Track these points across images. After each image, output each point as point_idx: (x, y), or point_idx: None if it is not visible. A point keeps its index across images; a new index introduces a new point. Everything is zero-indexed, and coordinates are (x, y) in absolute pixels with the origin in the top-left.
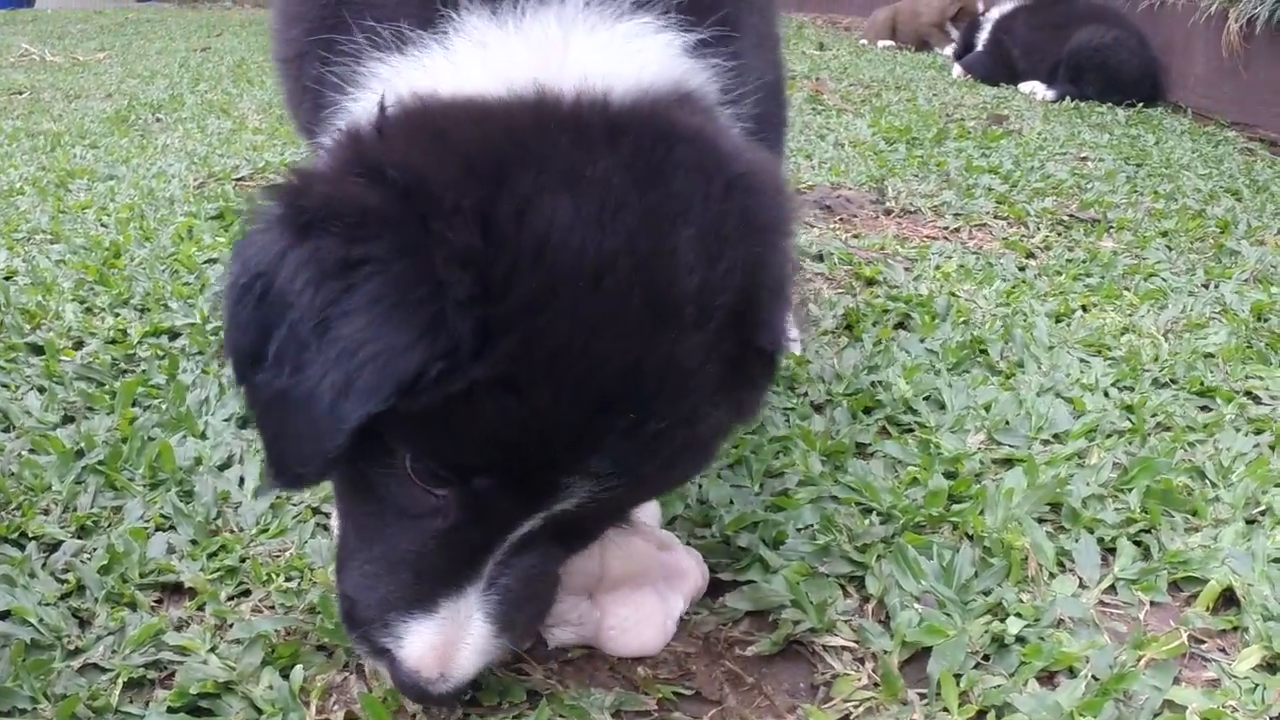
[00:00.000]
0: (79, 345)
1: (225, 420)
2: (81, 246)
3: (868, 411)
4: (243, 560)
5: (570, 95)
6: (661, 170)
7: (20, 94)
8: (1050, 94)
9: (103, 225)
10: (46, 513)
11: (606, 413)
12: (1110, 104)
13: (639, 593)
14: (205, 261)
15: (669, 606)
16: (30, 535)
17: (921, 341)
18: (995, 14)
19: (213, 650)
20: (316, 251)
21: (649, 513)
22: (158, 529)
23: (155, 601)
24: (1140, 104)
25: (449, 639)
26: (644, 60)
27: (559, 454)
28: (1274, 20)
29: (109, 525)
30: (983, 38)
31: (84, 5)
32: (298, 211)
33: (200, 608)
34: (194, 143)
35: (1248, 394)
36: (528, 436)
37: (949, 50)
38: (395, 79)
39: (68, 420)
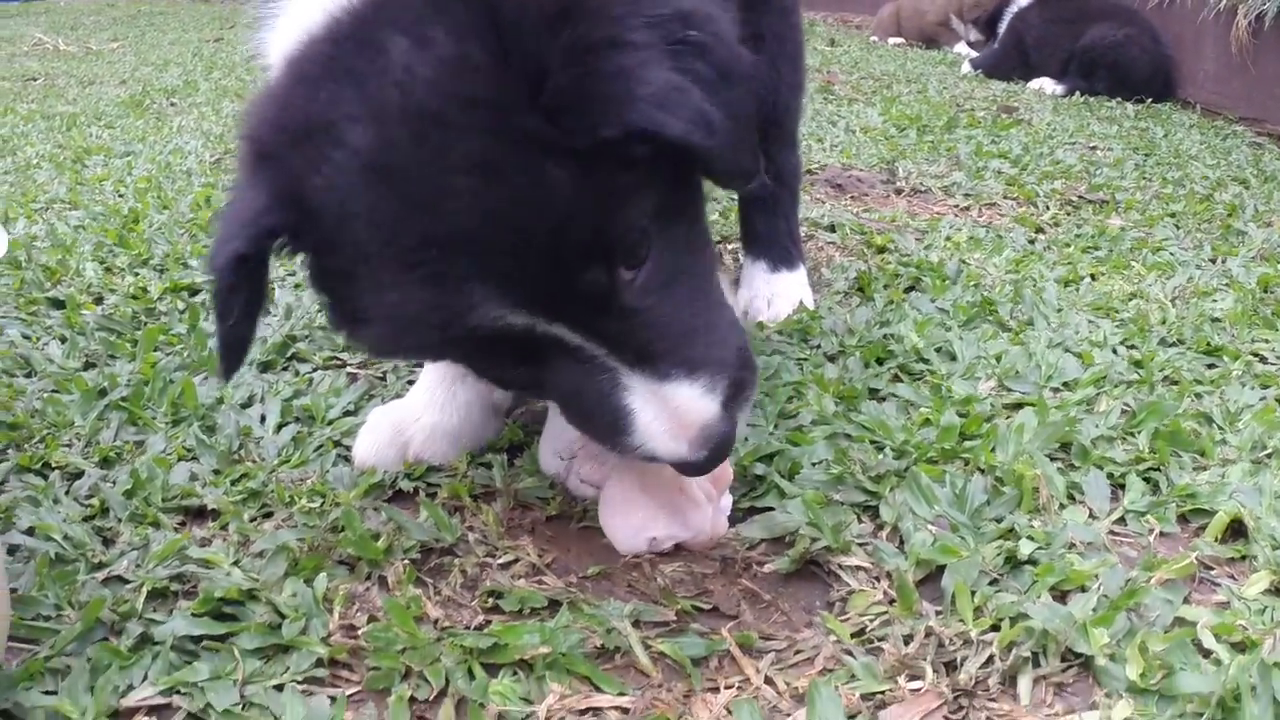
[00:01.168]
0: (99, 300)
1: (247, 364)
2: (100, 213)
3: (880, 361)
4: (265, 485)
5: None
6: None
7: (35, 80)
8: (1059, 89)
9: (120, 195)
10: (69, 445)
11: (453, 251)
12: (1119, 99)
13: (639, 495)
14: None
15: (654, 524)
16: (53, 465)
17: (933, 301)
18: (1014, 7)
19: (236, 563)
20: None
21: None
22: (180, 459)
23: (179, 523)
24: (1150, 100)
25: (658, 418)
26: None
27: (470, 302)
28: None
29: (132, 457)
30: (1002, 29)
31: None
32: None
33: (224, 527)
34: (209, 123)
35: (1254, 354)
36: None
37: (959, 48)
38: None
39: (89, 366)
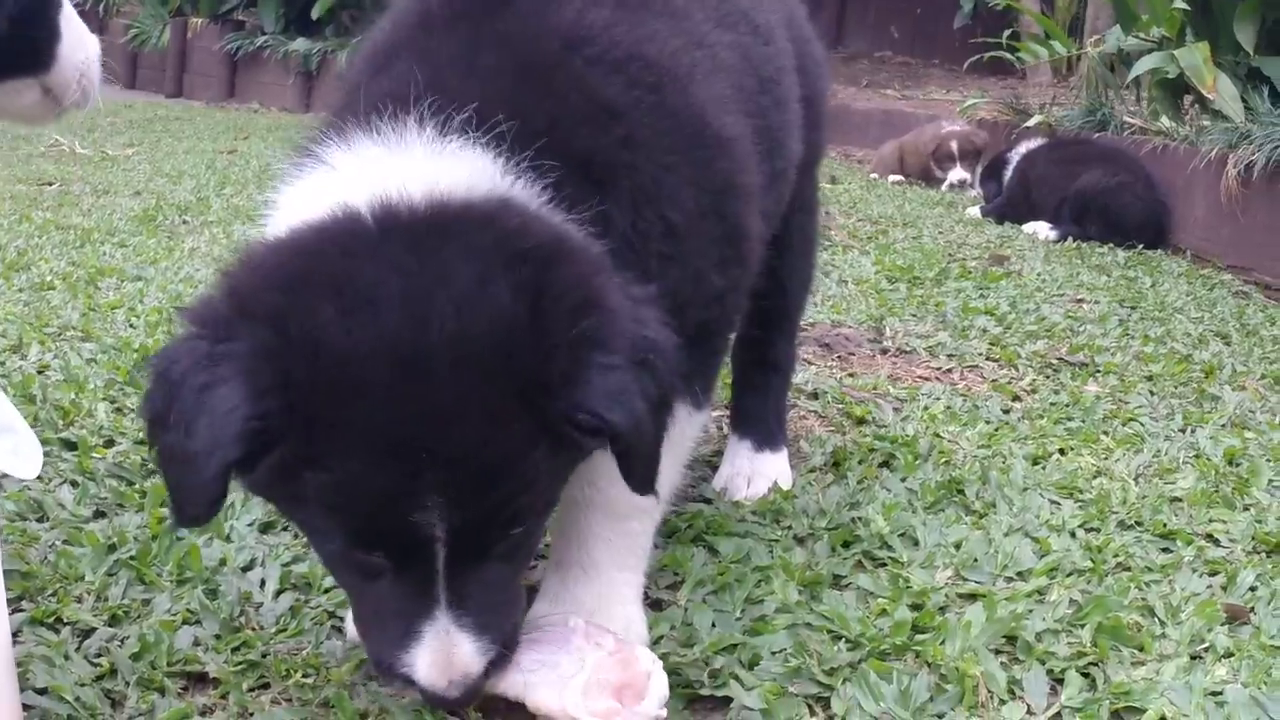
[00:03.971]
0: (110, 444)
1: (249, 525)
2: (112, 347)
3: (846, 545)
4: (264, 655)
5: (364, 208)
6: (430, 258)
7: (50, 184)
8: (1053, 234)
9: (132, 326)
10: (80, 600)
11: (404, 457)
12: (1111, 245)
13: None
14: None
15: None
16: (65, 620)
17: (903, 481)
18: (1023, 148)
19: None
20: (194, 348)
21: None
22: (185, 622)
23: (182, 688)
24: (1142, 246)
25: (442, 654)
26: (455, 170)
27: (396, 500)
28: (1270, 166)
29: (139, 616)
30: (1008, 174)
31: (115, 96)
32: (190, 323)
33: (224, 696)
34: (220, 248)
35: (1208, 536)
36: (359, 498)
37: (950, 177)
38: (283, 204)
39: (99, 515)
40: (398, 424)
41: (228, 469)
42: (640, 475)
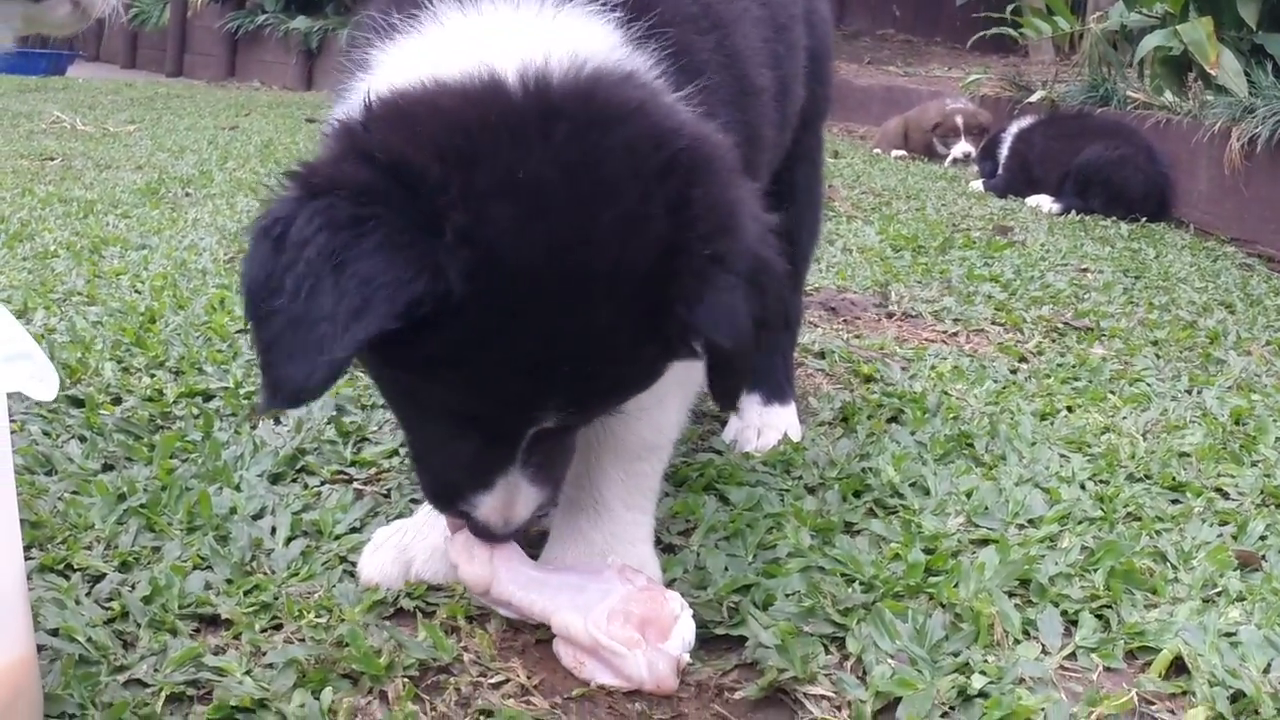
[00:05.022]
0: (117, 401)
1: (259, 475)
2: (117, 310)
3: (857, 494)
4: (275, 598)
5: (514, 78)
6: (591, 159)
7: (52, 160)
8: (1056, 207)
9: (137, 291)
10: (90, 548)
11: (548, 369)
12: (1114, 218)
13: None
14: (237, 331)
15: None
16: (75, 567)
17: (912, 434)
18: (1015, 127)
19: (248, 673)
20: (329, 208)
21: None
22: (195, 568)
23: (194, 630)
24: (1145, 219)
25: (506, 502)
26: (584, 43)
27: (521, 400)
28: (1274, 140)
29: (150, 562)
30: (1003, 152)
31: (115, 76)
32: (309, 183)
33: (236, 636)
34: (224, 218)
35: (1217, 489)
36: (494, 392)
37: (954, 151)
38: (387, 63)
39: (108, 468)
40: (556, 338)
41: (371, 341)
42: (730, 391)
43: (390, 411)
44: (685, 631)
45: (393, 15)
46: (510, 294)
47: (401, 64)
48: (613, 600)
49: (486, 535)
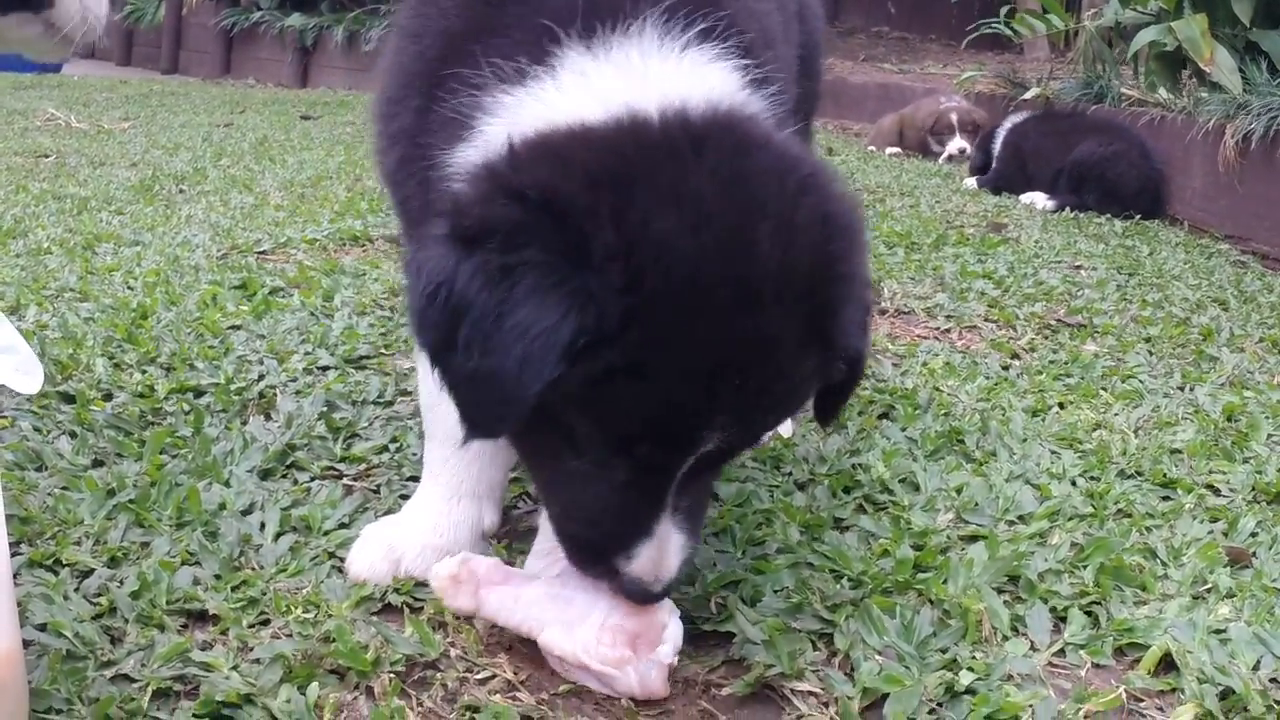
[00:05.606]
0: (108, 397)
1: (249, 471)
2: (110, 306)
3: (847, 490)
4: (263, 593)
5: (656, 115)
6: (742, 174)
7: (46, 157)
8: (1050, 204)
9: (129, 288)
10: (79, 544)
11: (719, 380)
12: (1109, 215)
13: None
14: (229, 328)
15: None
16: (64, 562)
17: (903, 430)
18: (1009, 123)
19: (235, 668)
20: (484, 264)
21: None
22: (184, 563)
23: (181, 626)
24: (1139, 216)
25: (660, 554)
26: (710, 83)
27: (692, 417)
28: (1268, 137)
29: (138, 558)
30: (997, 147)
31: (109, 73)
32: (461, 231)
33: (224, 632)
34: (217, 215)
35: (1208, 486)
36: (665, 409)
37: (949, 148)
38: (518, 108)
39: (98, 464)
40: (726, 345)
41: (546, 386)
42: (838, 407)
43: (531, 474)
44: (675, 636)
45: (519, 59)
46: (677, 302)
47: (536, 108)
48: (600, 614)
49: (640, 595)
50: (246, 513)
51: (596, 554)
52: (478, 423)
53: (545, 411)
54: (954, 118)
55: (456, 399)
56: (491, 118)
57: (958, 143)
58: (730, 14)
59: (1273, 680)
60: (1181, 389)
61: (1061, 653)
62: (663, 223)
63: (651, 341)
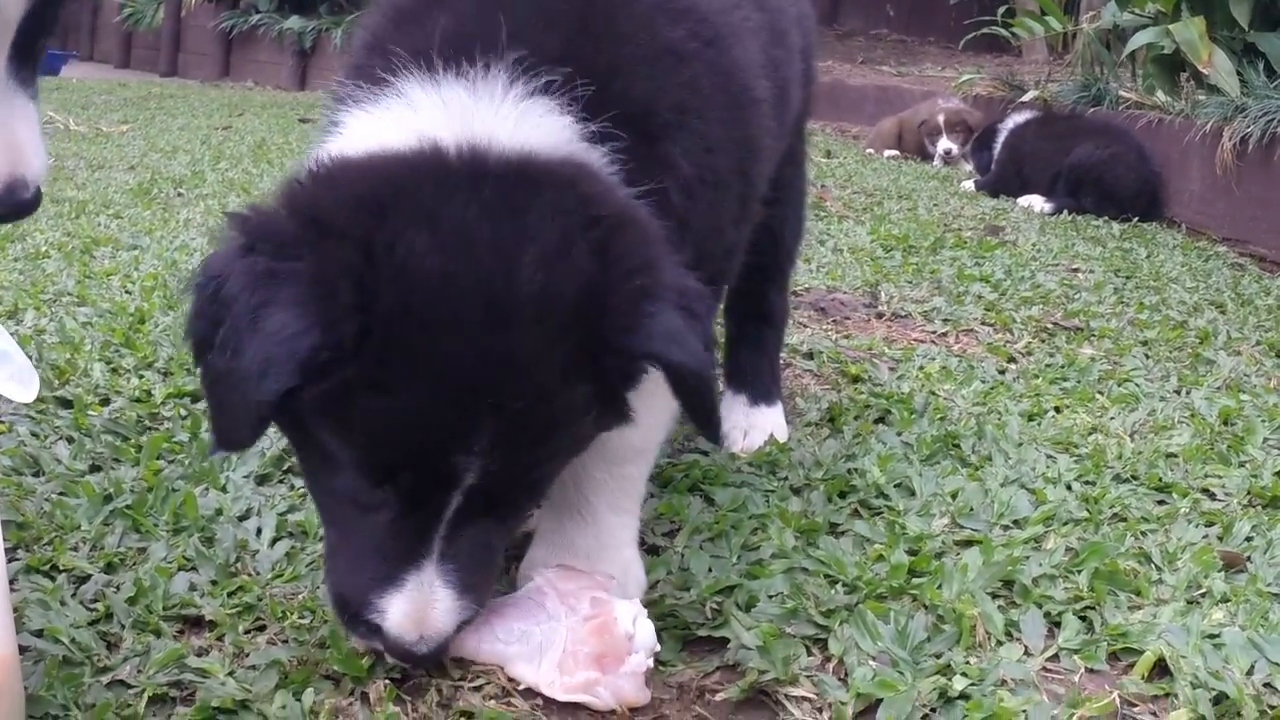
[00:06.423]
0: (105, 402)
1: (245, 476)
2: (107, 311)
3: (842, 495)
4: (259, 599)
5: (452, 149)
6: (519, 209)
7: None
8: (1048, 206)
9: (127, 292)
10: (76, 549)
11: (470, 400)
12: (1106, 218)
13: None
14: None
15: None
16: (61, 568)
17: (899, 435)
18: (1010, 122)
19: (231, 674)
20: (253, 265)
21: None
22: (180, 569)
23: (178, 631)
24: (1136, 219)
25: (420, 606)
26: (542, 131)
27: (444, 439)
28: (1266, 140)
29: (135, 563)
30: (998, 146)
31: (108, 76)
32: (244, 235)
33: (220, 638)
34: (215, 219)
35: (1204, 490)
36: (413, 430)
37: (937, 148)
38: (353, 128)
39: (95, 469)
40: (475, 365)
41: (281, 395)
42: (708, 415)
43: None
44: (644, 638)
45: (361, 85)
46: (416, 320)
47: (358, 131)
48: (559, 647)
49: (402, 655)
50: (243, 518)
51: (352, 604)
52: (223, 429)
53: (306, 432)
54: (940, 118)
55: (210, 401)
56: (335, 133)
57: (944, 143)
58: (604, 75)
59: (1267, 685)
60: (1178, 393)
61: (1055, 658)
62: (408, 244)
63: (389, 359)
